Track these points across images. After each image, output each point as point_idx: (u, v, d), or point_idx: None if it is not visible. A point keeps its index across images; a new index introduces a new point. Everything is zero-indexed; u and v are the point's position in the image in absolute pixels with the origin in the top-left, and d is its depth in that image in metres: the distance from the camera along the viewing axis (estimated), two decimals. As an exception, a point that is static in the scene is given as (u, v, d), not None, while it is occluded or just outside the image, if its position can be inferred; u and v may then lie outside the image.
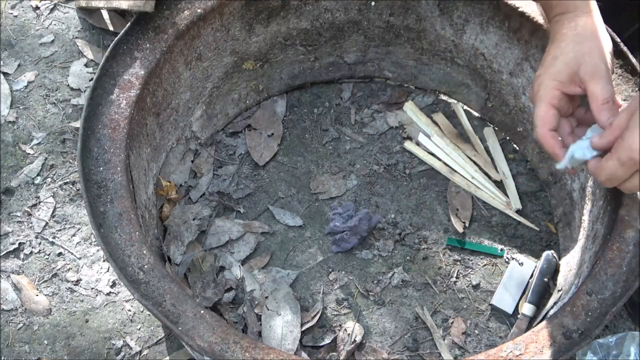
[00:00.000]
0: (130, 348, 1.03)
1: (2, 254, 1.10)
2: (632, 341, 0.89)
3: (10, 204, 1.14)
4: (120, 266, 0.82)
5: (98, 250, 1.11)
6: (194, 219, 1.09)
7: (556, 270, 1.05)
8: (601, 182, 0.75)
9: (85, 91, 1.26)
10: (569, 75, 0.78)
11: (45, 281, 1.08)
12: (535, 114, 0.78)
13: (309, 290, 1.05)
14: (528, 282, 1.05)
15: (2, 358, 1.01)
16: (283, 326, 1.00)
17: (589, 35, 0.78)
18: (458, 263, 1.07)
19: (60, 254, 1.11)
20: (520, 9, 1.02)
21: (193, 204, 1.12)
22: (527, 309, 1.01)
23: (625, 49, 0.95)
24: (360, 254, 1.08)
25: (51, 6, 1.35)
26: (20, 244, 1.11)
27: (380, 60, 1.23)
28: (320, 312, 1.02)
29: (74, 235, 1.12)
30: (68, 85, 1.27)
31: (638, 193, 0.88)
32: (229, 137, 1.20)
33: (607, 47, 0.78)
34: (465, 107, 1.22)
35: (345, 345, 0.99)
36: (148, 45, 0.99)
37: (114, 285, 1.08)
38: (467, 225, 1.10)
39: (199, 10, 1.02)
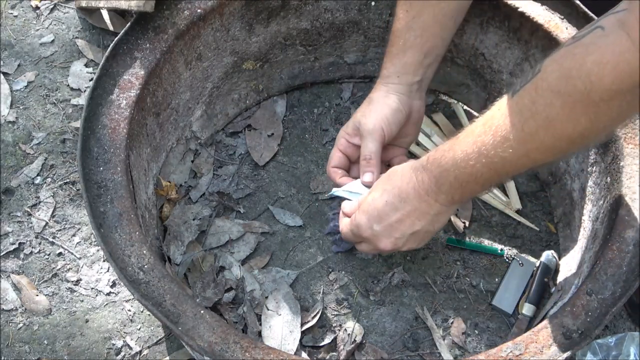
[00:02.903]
0: (130, 348, 1.03)
1: (2, 254, 1.10)
2: (631, 342, 0.89)
3: (10, 204, 1.14)
4: (120, 266, 0.82)
5: (98, 250, 1.11)
6: (194, 219, 1.09)
7: (556, 270, 1.05)
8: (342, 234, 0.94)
9: (85, 91, 1.26)
10: (354, 130, 0.97)
11: (45, 281, 1.08)
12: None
13: (309, 290, 1.06)
14: (528, 282, 1.05)
15: (2, 358, 1.01)
16: (283, 326, 1.00)
17: (374, 101, 0.96)
18: (458, 263, 1.07)
19: (60, 254, 1.11)
20: (520, 9, 1.02)
21: (193, 204, 1.12)
22: (527, 309, 1.01)
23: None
24: (360, 254, 1.08)
25: (51, 6, 1.35)
26: (20, 244, 1.11)
27: (380, 60, 1.22)
28: (320, 312, 1.02)
29: (74, 235, 1.12)
30: (68, 85, 1.27)
31: (637, 193, 0.88)
32: (229, 137, 1.20)
33: (388, 113, 0.95)
34: (465, 107, 1.22)
35: (345, 345, 0.99)
36: (148, 45, 0.99)
37: (114, 285, 1.08)
38: (467, 225, 1.10)
39: (199, 10, 1.02)
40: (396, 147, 1.02)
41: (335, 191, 0.99)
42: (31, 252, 1.11)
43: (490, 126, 0.73)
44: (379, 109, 0.95)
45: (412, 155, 1.17)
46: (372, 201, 0.87)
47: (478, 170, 0.76)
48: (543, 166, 0.99)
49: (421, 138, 1.17)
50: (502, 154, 0.72)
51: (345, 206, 0.96)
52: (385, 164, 1.02)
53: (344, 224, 0.94)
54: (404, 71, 0.97)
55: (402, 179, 0.85)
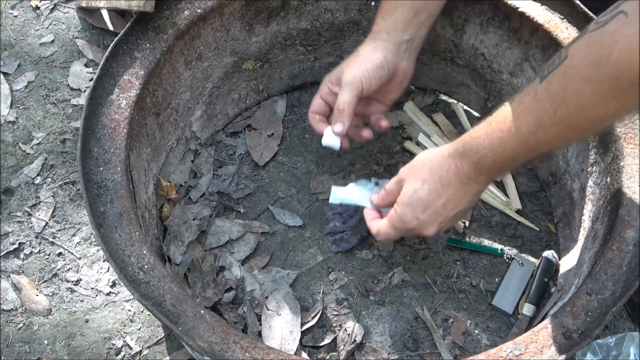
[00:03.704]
0: (130, 348, 1.03)
1: (2, 254, 1.10)
2: (631, 342, 0.89)
3: (10, 204, 1.14)
4: (120, 266, 0.82)
5: (98, 250, 1.11)
6: (194, 219, 1.09)
7: (556, 270, 1.05)
8: (374, 236, 0.96)
9: (85, 91, 1.26)
10: (336, 79, 1.00)
11: (45, 281, 1.08)
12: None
13: (309, 290, 1.05)
14: (528, 282, 1.05)
15: (2, 358, 1.01)
16: (283, 326, 1.00)
17: (360, 54, 0.99)
18: (458, 263, 1.07)
19: (60, 254, 1.11)
20: (520, 9, 1.02)
21: (193, 204, 1.12)
22: (527, 309, 1.01)
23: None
24: (360, 254, 1.08)
25: (51, 6, 1.35)
26: (20, 244, 1.11)
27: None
28: (320, 312, 1.02)
29: (74, 235, 1.12)
30: (68, 85, 1.27)
31: (637, 193, 0.88)
32: (229, 137, 1.20)
33: (370, 68, 0.98)
34: (465, 107, 1.22)
35: (345, 345, 0.99)
36: (148, 45, 0.99)
37: (114, 285, 1.08)
38: (467, 225, 1.10)
39: (199, 10, 1.02)
40: (377, 102, 1.05)
41: (335, 199, 1.02)
42: (31, 252, 1.11)
43: (523, 111, 0.76)
44: (362, 62, 0.98)
45: (412, 155, 1.17)
46: (413, 193, 0.89)
47: (515, 152, 0.79)
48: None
49: (421, 138, 1.17)
50: (536, 136, 0.75)
51: (373, 198, 0.97)
52: (365, 121, 1.08)
53: (381, 225, 0.94)
54: (393, 28, 0.98)
55: (440, 168, 0.87)
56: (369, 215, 0.98)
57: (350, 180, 1.15)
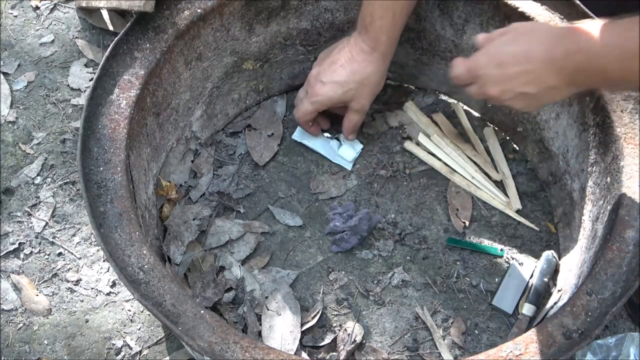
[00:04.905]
0: (130, 348, 1.03)
1: (2, 254, 1.10)
2: (631, 342, 0.89)
3: (10, 204, 1.15)
4: (120, 266, 0.82)
5: (98, 250, 1.11)
6: (194, 219, 1.09)
7: (556, 270, 1.05)
8: (451, 77, 0.93)
9: (85, 91, 1.26)
10: (342, 102, 1.09)
11: (45, 281, 1.08)
12: (305, 107, 1.10)
13: (309, 290, 1.06)
14: (528, 282, 1.05)
15: (2, 358, 1.01)
16: (283, 326, 1.00)
17: (372, 79, 1.07)
18: (458, 263, 1.07)
19: (60, 254, 1.11)
20: (520, 9, 1.02)
21: (193, 204, 1.12)
22: (527, 309, 1.01)
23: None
24: (360, 254, 1.08)
25: (51, 6, 1.35)
26: (20, 244, 1.11)
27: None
28: (320, 312, 1.02)
29: (74, 235, 1.12)
30: (68, 85, 1.27)
31: (637, 193, 0.88)
32: (229, 137, 1.20)
33: (378, 89, 1.09)
34: (465, 107, 1.22)
35: (345, 345, 0.99)
36: (148, 45, 0.99)
37: (114, 285, 1.08)
38: (467, 225, 1.10)
39: (199, 10, 1.02)
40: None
41: (297, 137, 1.17)
42: (31, 252, 1.11)
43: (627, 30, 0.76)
44: (374, 91, 1.09)
45: (412, 155, 1.17)
46: (499, 46, 0.87)
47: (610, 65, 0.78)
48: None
49: (421, 138, 1.17)
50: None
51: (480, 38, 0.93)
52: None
53: (460, 62, 0.91)
54: (394, 44, 1.06)
55: (538, 41, 0.84)
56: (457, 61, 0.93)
57: (349, 180, 1.15)
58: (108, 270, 1.09)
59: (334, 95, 1.06)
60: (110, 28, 1.31)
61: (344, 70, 1.04)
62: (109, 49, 0.96)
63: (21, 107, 1.24)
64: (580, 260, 0.97)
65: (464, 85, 0.92)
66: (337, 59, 1.05)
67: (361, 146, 1.17)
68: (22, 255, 1.10)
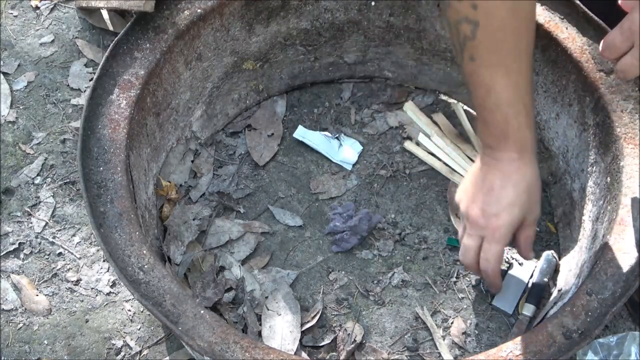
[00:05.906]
0: (130, 348, 1.03)
1: (2, 254, 1.10)
2: (632, 341, 0.89)
3: (10, 204, 1.15)
4: (120, 266, 0.82)
5: (98, 250, 1.11)
6: (194, 219, 1.09)
7: (556, 270, 1.05)
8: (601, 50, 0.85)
9: (85, 91, 1.26)
10: (520, 222, 0.91)
11: (45, 281, 1.08)
12: (495, 252, 0.91)
13: (309, 290, 1.06)
14: (528, 282, 1.05)
15: (2, 358, 1.01)
16: (283, 326, 1.00)
17: (535, 191, 0.91)
18: (458, 263, 1.07)
19: (60, 254, 1.11)
20: (520, 9, 1.02)
21: (193, 204, 1.12)
22: (527, 309, 1.01)
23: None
24: (360, 254, 1.08)
25: (51, 6, 1.35)
26: (20, 244, 1.11)
27: (380, 60, 1.23)
28: (320, 312, 1.02)
29: (74, 235, 1.12)
30: (68, 85, 1.27)
31: (637, 193, 0.88)
32: (229, 137, 1.20)
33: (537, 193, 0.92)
34: (465, 107, 1.22)
35: (345, 345, 0.99)
36: (148, 45, 0.99)
37: (114, 285, 1.08)
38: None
39: (199, 10, 1.02)
40: None
41: (299, 135, 1.17)
42: (31, 252, 1.11)
43: None
44: (540, 193, 0.93)
45: (412, 155, 1.17)
46: None
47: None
48: None
49: (421, 138, 1.17)
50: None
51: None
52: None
53: (629, 57, 0.82)
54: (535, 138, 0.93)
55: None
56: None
57: (349, 180, 1.15)
58: (108, 270, 1.09)
59: (514, 219, 0.90)
60: (110, 28, 1.31)
61: (507, 190, 0.89)
62: (109, 49, 0.96)
63: (21, 107, 1.24)
64: (580, 260, 0.97)
65: (616, 60, 0.83)
66: (492, 186, 0.89)
67: (361, 147, 1.17)
68: (22, 255, 1.10)
